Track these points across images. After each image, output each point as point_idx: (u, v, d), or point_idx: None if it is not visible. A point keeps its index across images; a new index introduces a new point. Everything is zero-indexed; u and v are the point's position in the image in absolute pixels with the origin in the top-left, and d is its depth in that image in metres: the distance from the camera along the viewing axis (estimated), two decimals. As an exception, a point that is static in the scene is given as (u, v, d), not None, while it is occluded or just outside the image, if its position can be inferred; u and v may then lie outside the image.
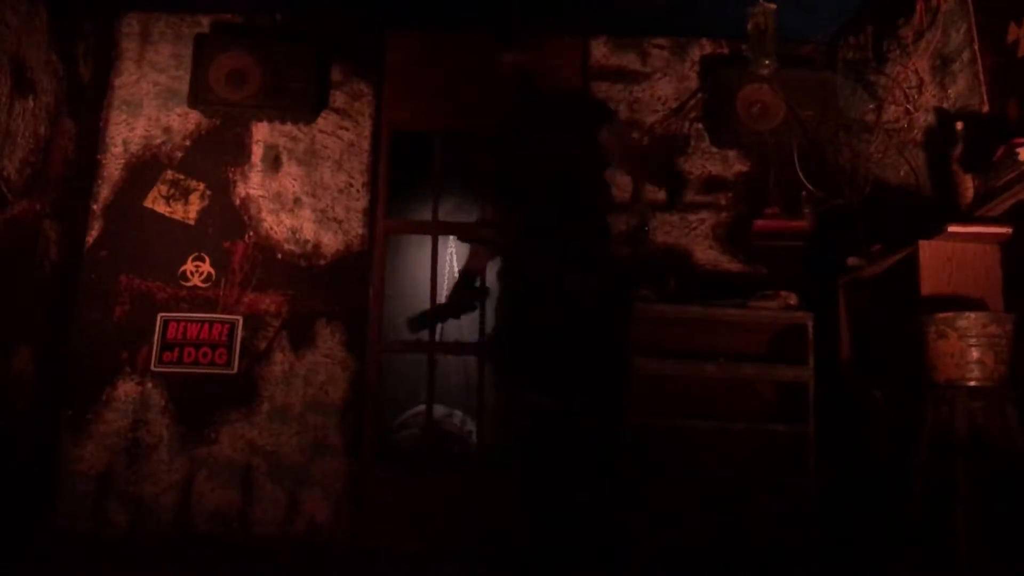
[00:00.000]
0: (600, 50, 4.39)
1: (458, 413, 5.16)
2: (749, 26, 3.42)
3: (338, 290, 4.13)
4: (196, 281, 4.05)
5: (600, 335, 3.24)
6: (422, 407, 4.48)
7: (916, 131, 3.57)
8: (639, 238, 4.13)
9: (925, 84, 3.51)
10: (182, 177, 4.16)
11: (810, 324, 3.68)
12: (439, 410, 4.91)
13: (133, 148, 4.19)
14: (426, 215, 4.39)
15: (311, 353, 4.06)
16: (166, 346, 3.99)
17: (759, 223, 3.96)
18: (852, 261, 3.50)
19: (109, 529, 3.83)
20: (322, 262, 4.15)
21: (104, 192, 4.14)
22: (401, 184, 4.47)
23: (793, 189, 3.97)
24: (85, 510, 3.84)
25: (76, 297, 4.00)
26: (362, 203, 4.21)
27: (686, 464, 3.68)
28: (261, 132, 4.24)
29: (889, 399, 3.30)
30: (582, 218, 3.16)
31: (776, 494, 3.62)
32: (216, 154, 4.21)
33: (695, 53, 4.38)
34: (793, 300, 3.75)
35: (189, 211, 4.14)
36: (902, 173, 3.64)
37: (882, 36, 3.84)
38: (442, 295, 4.80)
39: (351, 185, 4.22)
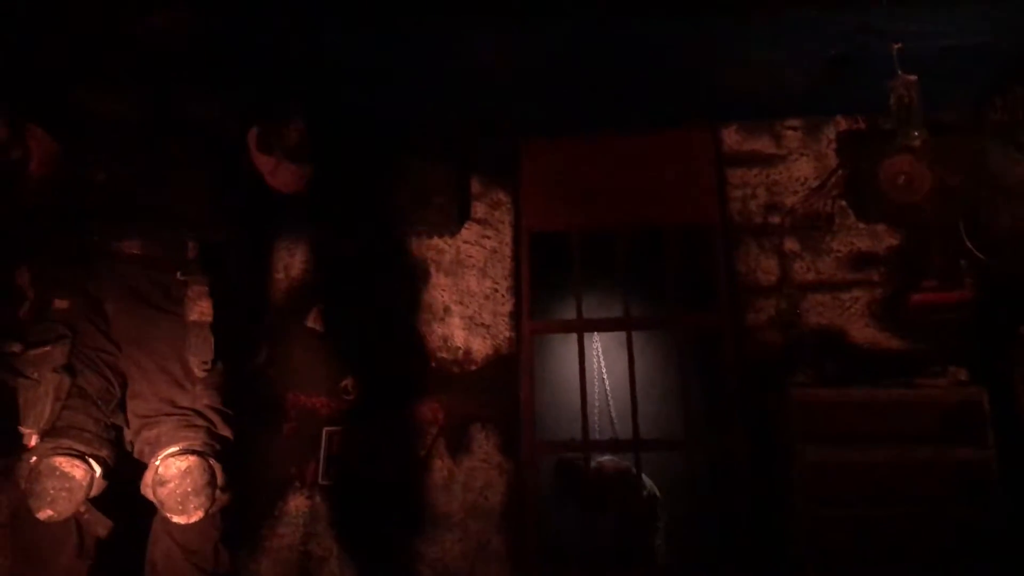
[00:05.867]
0: (732, 137, 4.39)
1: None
2: (892, 100, 3.36)
3: (490, 394, 4.19)
4: (356, 395, 4.20)
5: None
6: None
7: (1080, 188, 3.41)
8: (789, 321, 4.05)
9: (1084, 140, 3.36)
10: (343, 297, 4.39)
11: (985, 399, 3.49)
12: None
13: (293, 273, 4.42)
14: (570, 313, 4.42)
15: (468, 458, 4.11)
16: (332, 459, 4.13)
17: (917, 297, 3.82)
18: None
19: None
20: (473, 367, 4.24)
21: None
22: (544, 284, 4.53)
23: (950, 259, 3.81)
24: (263, 624, 3.97)
25: (247, 416, 4.21)
26: (507, 307, 4.31)
27: (861, 554, 3.51)
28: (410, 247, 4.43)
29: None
30: None
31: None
32: (370, 272, 4.41)
33: (830, 131, 4.32)
34: (963, 375, 3.58)
35: (348, 328, 4.33)
36: (1069, 233, 3.46)
37: (1031, 95, 3.71)
38: (592, 391, 4.75)
39: (496, 290, 4.33)
